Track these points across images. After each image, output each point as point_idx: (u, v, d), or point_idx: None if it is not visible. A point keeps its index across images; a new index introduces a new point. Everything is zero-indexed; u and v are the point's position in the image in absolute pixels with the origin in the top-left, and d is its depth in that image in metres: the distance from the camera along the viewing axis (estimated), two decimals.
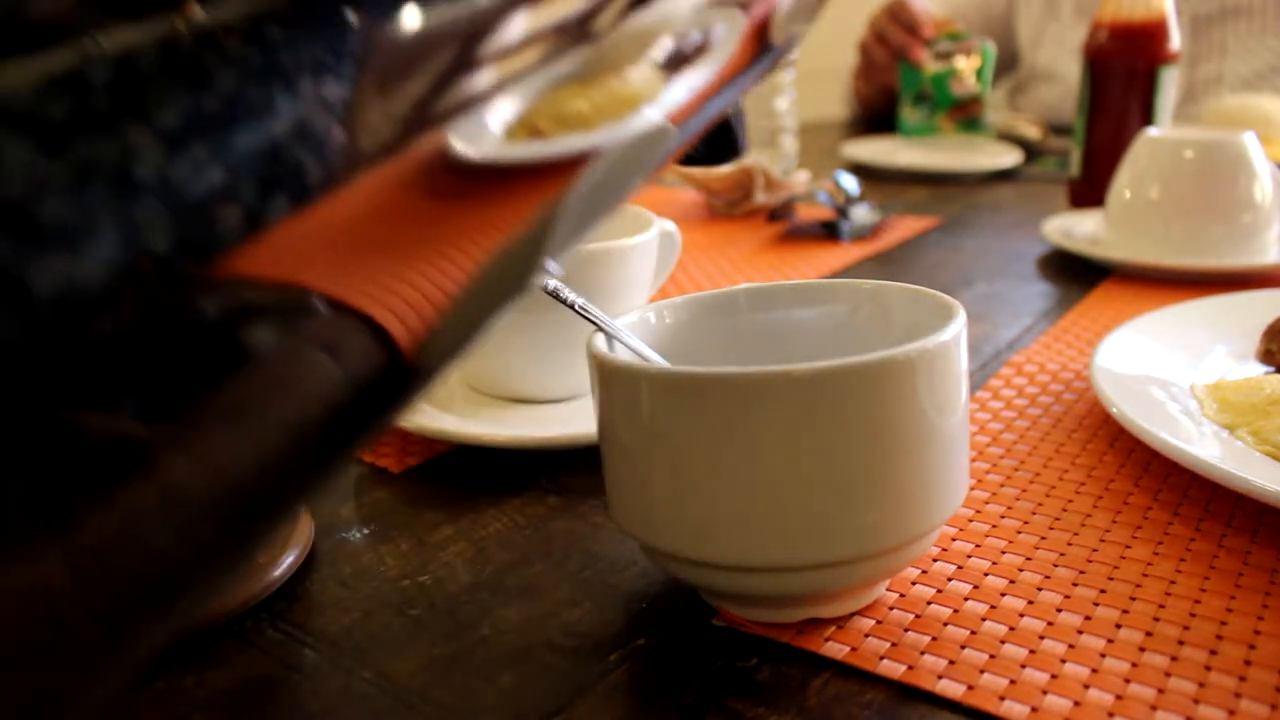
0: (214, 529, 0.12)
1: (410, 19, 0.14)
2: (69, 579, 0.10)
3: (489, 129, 0.17)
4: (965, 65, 1.22)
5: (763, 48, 0.27)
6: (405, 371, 0.16)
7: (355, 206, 0.13)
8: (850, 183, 0.83)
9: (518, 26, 0.17)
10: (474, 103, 0.16)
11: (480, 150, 0.17)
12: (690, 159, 0.37)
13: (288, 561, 0.32)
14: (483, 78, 0.17)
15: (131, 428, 0.11)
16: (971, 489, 0.37)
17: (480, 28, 0.16)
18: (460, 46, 0.16)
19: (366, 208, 0.14)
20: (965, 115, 1.24)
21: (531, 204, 0.18)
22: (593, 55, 0.20)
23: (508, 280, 0.18)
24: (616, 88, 0.21)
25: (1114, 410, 0.39)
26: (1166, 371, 0.44)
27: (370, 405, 0.15)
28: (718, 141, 0.37)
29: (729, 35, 0.25)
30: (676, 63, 0.24)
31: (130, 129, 0.09)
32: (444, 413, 0.43)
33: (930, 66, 1.23)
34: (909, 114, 1.25)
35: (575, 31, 0.19)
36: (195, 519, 0.12)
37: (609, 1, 0.20)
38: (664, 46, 0.24)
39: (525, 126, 0.18)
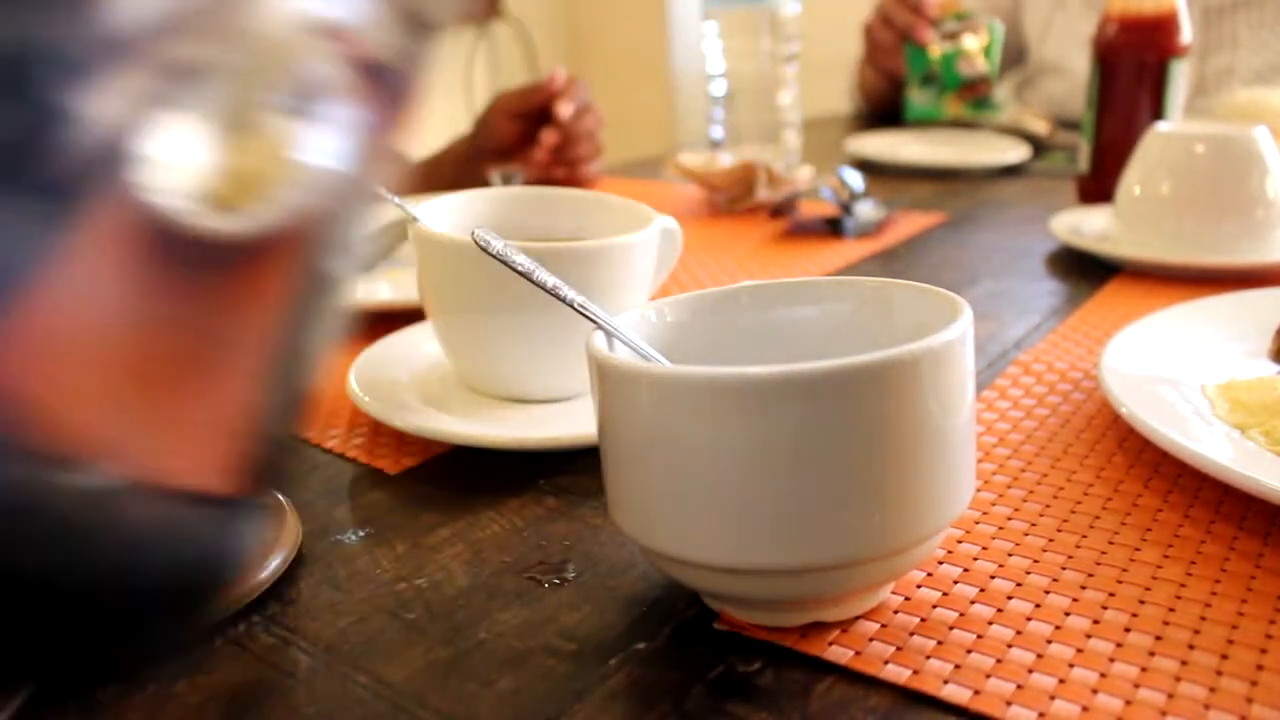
0: None
1: None
2: None
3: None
4: (973, 44, 1.20)
5: None
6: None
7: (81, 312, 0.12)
8: (854, 178, 0.82)
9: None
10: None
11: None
12: None
13: (274, 564, 0.32)
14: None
15: None
16: (978, 490, 0.37)
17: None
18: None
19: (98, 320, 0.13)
20: (974, 95, 1.21)
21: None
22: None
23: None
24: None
25: (1123, 410, 0.39)
26: (1177, 371, 0.43)
27: None
28: None
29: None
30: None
31: None
32: (441, 413, 0.43)
33: (937, 47, 1.21)
34: (916, 96, 1.24)
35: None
36: None
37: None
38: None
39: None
